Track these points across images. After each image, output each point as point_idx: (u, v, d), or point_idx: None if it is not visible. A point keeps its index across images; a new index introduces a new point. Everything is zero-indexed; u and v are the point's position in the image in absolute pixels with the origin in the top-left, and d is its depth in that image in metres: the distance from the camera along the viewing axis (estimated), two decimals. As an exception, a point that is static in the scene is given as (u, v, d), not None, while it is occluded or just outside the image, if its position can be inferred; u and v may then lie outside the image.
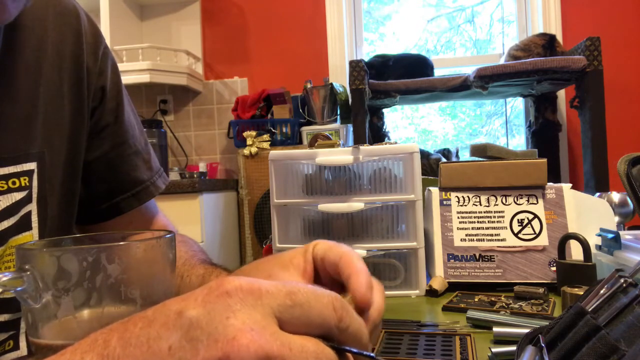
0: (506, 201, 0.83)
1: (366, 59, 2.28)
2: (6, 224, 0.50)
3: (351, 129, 2.18)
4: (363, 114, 2.04)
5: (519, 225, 0.82)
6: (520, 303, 0.68)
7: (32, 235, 0.52)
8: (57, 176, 0.55)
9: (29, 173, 0.52)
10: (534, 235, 0.81)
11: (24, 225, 0.52)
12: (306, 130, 2.37)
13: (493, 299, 0.72)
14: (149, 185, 0.65)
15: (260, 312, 0.22)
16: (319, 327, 0.24)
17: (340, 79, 2.54)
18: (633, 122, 2.35)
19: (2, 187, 0.49)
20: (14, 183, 0.50)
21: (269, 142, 2.30)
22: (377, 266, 0.83)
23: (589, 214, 0.82)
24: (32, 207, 0.52)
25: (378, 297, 0.33)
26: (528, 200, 0.83)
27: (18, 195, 0.51)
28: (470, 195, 0.85)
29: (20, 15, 0.50)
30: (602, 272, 0.74)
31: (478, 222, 0.83)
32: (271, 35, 2.69)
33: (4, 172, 0.49)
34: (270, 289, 0.23)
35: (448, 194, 0.86)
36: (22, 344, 0.51)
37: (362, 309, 0.30)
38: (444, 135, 2.86)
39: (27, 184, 0.51)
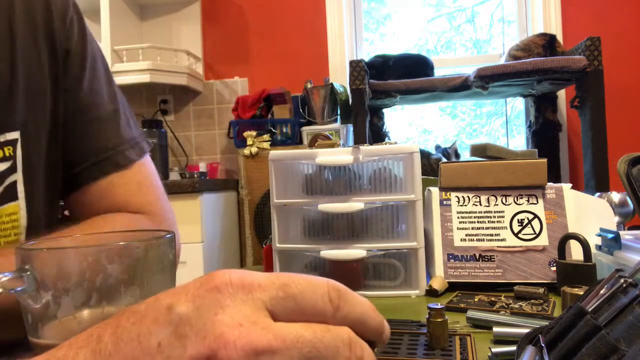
0: (506, 201, 0.83)
1: (366, 59, 2.28)
2: None
3: (351, 129, 2.18)
4: (363, 114, 2.04)
5: (519, 225, 0.82)
6: (520, 303, 0.68)
7: (18, 205, 0.52)
8: (41, 146, 0.54)
9: (12, 142, 0.51)
10: (534, 235, 0.81)
11: (9, 195, 0.51)
12: (306, 130, 2.37)
13: (493, 299, 0.72)
14: (113, 154, 0.59)
15: (250, 307, 0.22)
16: (313, 318, 0.23)
17: (340, 79, 2.54)
18: (633, 122, 2.35)
19: None
20: None
21: (269, 142, 2.30)
22: (377, 266, 0.83)
23: (589, 214, 0.82)
24: (18, 177, 0.52)
25: None
26: (528, 200, 0.83)
27: (2, 166, 0.50)
28: (470, 195, 0.85)
29: None
30: (602, 272, 0.74)
31: (478, 222, 0.83)
32: (271, 36, 2.69)
33: None
34: (262, 282, 0.23)
35: (448, 194, 0.86)
36: None
37: None
38: (444, 135, 2.86)
39: (12, 153, 0.51)
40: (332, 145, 0.89)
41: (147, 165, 0.64)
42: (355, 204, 0.81)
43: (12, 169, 0.51)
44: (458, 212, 0.84)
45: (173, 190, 2.01)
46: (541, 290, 0.71)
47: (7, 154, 0.51)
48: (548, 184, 0.83)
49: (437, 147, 2.35)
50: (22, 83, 0.52)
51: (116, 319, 0.23)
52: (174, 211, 0.67)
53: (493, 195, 0.84)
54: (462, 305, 0.69)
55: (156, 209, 0.62)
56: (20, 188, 0.52)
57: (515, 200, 0.83)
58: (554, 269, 0.78)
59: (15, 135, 0.51)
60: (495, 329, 0.55)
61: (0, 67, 0.51)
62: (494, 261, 0.80)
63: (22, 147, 0.52)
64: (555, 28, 2.39)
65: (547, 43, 2.07)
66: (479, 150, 1.36)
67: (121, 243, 0.33)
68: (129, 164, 0.60)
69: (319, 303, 0.23)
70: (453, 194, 0.86)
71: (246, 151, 2.30)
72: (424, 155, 2.09)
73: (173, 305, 0.22)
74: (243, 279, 0.23)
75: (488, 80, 1.93)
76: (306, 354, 0.21)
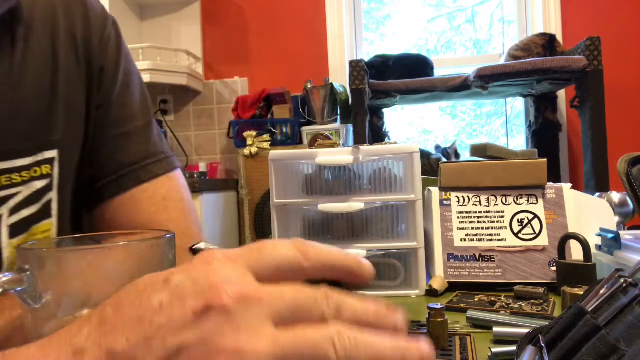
0: (506, 201, 0.83)
1: (366, 59, 2.28)
2: (26, 212, 0.50)
3: (351, 129, 2.18)
4: (363, 114, 2.04)
5: (519, 225, 0.82)
6: (520, 303, 0.68)
7: (51, 223, 0.53)
8: (74, 161, 0.55)
9: (50, 161, 0.52)
10: (534, 235, 0.81)
11: (45, 213, 0.52)
12: (306, 130, 2.37)
13: (493, 299, 0.72)
14: (136, 169, 0.57)
15: (237, 270, 0.25)
16: (289, 270, 0.26)
17: (340, 79, 2.54)
18: (633, 122, 2.35)
19: (25, 177, 0.50)
20: (35, 172, 0.51)
21: (269, 142, 2.30)
22: (377, 266, 0.83)
23: (589, 214, 0.82)
24: (53, 195, 0.53)
25: None
26: (528, 200, 0.83)
27: (39, 184, 0.51)
28: (470, 195, 0.85)
29: (33, 12, 0.52)
30: (602, 272, 0.74)
31: (478, 222, 0.83)
32: (271, 35, 2.69)
33: (25, 162, 0.50)
34: (241, 252, 0.27)
35: (448, 194, 0.86)
36: None
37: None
38: (444, 135, 2.86)
39: (49, 172, 0.52)
40: (332, 145, 0.89)
41: (174, 179, 0.61)
42: (355, 204, 0.81)
43: (49, 187, 0.52)
44: (458, 212, 0.84)
45: (173, 190, 2.01)
46: (541, 290, 0.71)
47: (44, 172, 0.51)
48: (548, 184, 0.83)
49: (437, 147, 2.35)
50: (62, 101, 0.53)
51: (114, 298, 0.26)
52: (200, 224, 0.65)
53: (493, 195, 0.84)
54: (462, 305, 0.69)
55: (179, 226, 0.59)
56: (54, 206, 0.53)
57: (515, 200, 0.83)
58: (554, 269, 0.78)
59: (53, 154, 0.52)
60: (495, 329, 0.55)
61: (42, 85, 0.51)
62: (494, 261, 0.80)
63: (59, 165, 0.53)
64: (555, 28, 2.39)
65: (547, 43, 2.06)
66: (479, 150, 1.36)
67: (121, 243, 0.33)
68: (152, 178, 0.58)
69: (290, 255, 0.27)
70: (453, 194, 0.86)
71: (246, 151, 2.30)
72: (424, 155, 2.08)
73: (169, 277, 0.25)
74: (226, 253, 0.27)
75: (488, 80, 1.93)
76: (289, 304, 0.25)
